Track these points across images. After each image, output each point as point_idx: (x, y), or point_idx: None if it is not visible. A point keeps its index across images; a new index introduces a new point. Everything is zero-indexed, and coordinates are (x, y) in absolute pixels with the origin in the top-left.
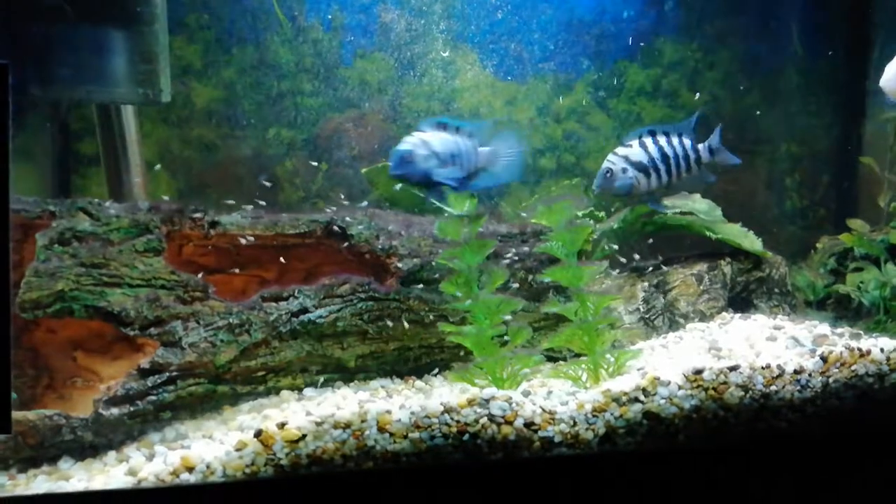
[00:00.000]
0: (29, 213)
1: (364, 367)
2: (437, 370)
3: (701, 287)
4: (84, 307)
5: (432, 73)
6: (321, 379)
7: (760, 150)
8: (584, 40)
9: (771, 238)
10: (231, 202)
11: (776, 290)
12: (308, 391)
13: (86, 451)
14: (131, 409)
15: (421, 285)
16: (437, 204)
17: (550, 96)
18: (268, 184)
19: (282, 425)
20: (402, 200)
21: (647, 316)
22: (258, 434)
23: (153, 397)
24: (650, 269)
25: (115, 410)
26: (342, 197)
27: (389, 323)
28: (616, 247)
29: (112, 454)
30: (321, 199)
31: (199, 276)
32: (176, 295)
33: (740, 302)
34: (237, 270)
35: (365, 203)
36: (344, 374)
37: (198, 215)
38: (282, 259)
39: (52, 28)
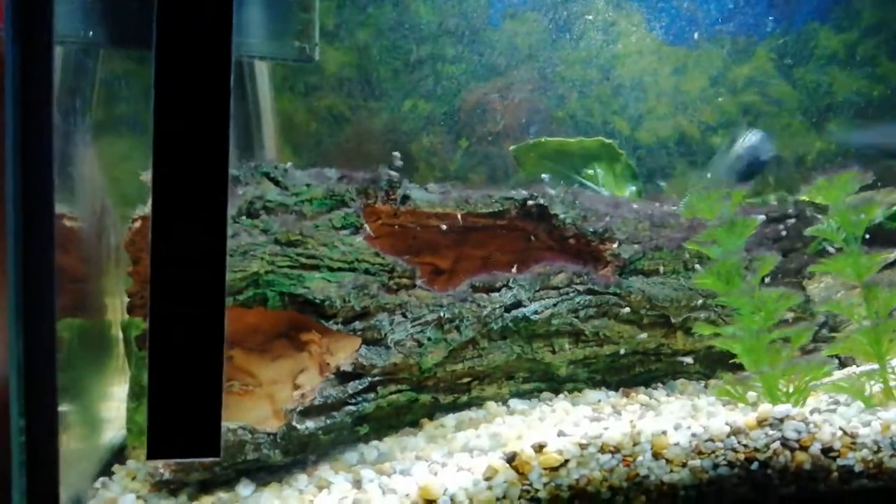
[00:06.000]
0: None
1: (572, 376)
2: (658, 382)
3: None
4: (279, 294)
5: (590, 37)
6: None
7: None
8: None
9: None
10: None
11: None
12: (514, 402)
13: (269, 473)
14: (327, 421)
15: (641, 277)
16: None
17: (726, 63)
18: (399, 162)
19: (540, 447)
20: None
21: None
22: (511, 459)
23: (351, 407)
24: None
25: (310, 423)
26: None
27: (608, 322)
28: None
29: (303, 478)
30: (460, 180)
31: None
32: (380, 282)
33: None
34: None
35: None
36: (550, 383)
37: (391, 187)
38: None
39: None
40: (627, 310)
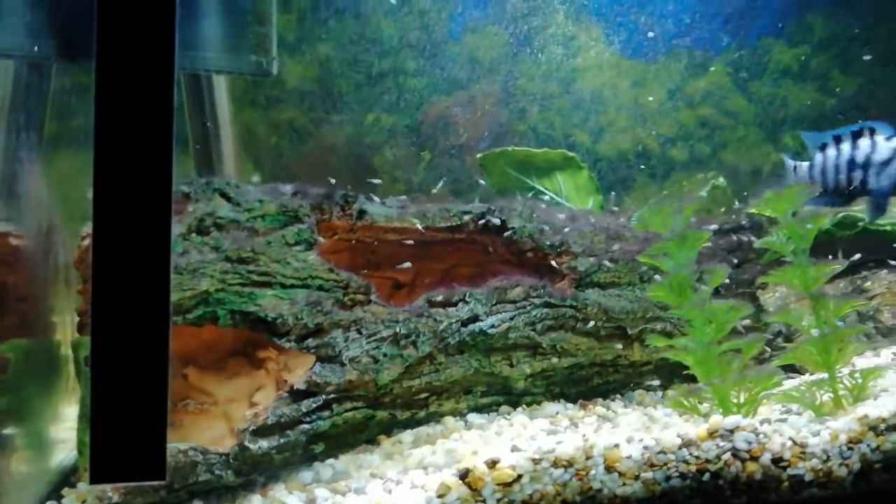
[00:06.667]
0: None
1: (529, 389)
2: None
3: None
4: (230, 313)
5: (551, 51)
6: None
7: None
8: (724, 13)
9: None
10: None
11: None
12: (473, 417)
13: (222, 494)
14: (281, 440)
15: (597, 290)
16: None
17: (684, 77)
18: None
19: (493, 463)
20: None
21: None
22: (465, 475)
23: (306, 425)
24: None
25: (263, 443)
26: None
27: (565, 335)
28: None
29: (257, 498)
30: (423, 192)
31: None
32: (335, 298)
33: None
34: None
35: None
36: (508, 396)
37: (347, 202)
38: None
39: None
40: (592, 323)
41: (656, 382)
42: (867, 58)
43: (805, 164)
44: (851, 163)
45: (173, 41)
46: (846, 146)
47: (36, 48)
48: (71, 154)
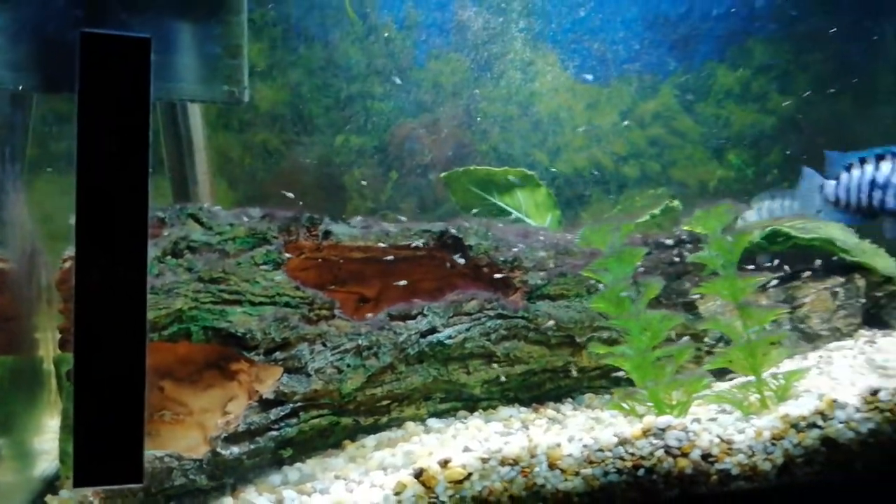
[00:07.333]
0: None
1: (486, 395)
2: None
3: (836, 302)
4: (203, 329)
5: (510, 75)
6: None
7: None
8: (670, 39)
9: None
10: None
11: None
12: (432, 422)
13: (196, 497)
14: (251, 446)
15: (547, 302)
16: None
17: (634, 100)
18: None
19: (445, 463)
20: (480, 209)
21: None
22: (419, 474)
23: (274, 432)
24: (775, 283)
25: (235, 449)
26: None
27: (518, 344)
28: None
29: (228, 501)
30: (391, 210)
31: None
32: (301, 314)
33: (869, 319)
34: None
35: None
36: (466, 402)
37: (313, 224)
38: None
39: (131, 17)
40: (552, 322)
41: (621, 373)
42: (790, 101)
43: (832, 182)
44: (872, 183)
45: (148, 76)
46: (870, 168)
47: (19, 83)
48: (51, 178)
